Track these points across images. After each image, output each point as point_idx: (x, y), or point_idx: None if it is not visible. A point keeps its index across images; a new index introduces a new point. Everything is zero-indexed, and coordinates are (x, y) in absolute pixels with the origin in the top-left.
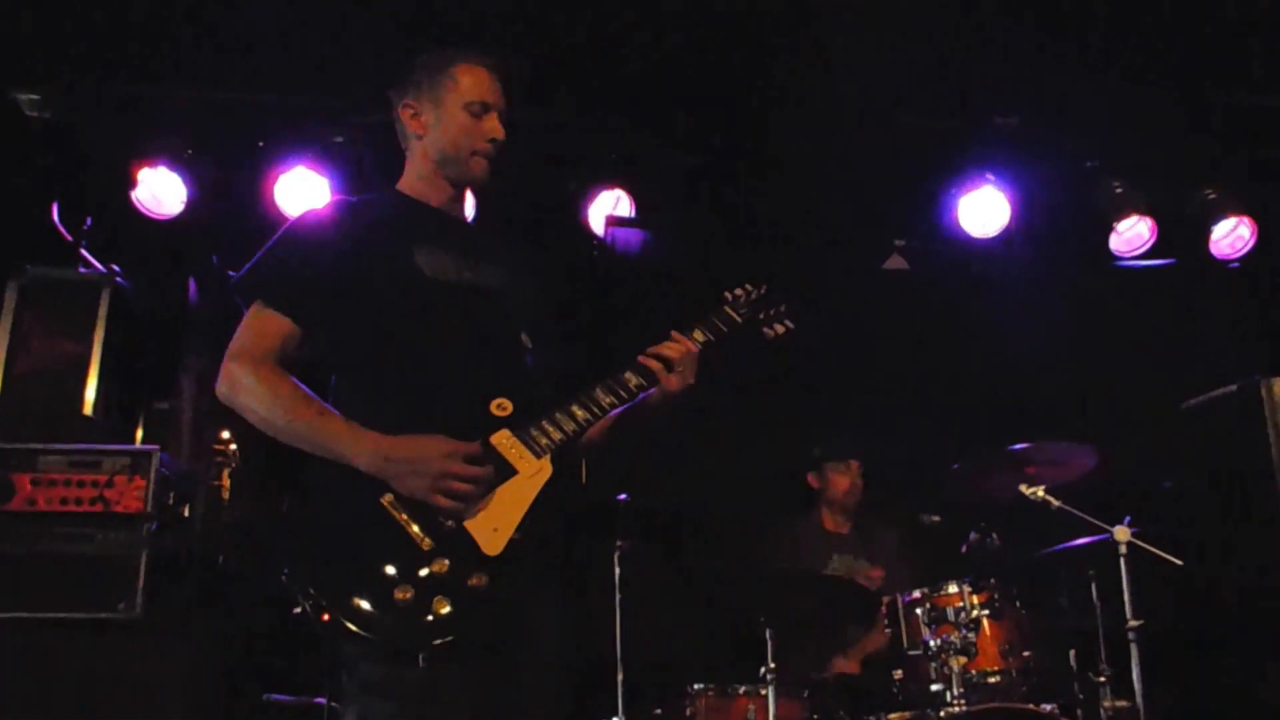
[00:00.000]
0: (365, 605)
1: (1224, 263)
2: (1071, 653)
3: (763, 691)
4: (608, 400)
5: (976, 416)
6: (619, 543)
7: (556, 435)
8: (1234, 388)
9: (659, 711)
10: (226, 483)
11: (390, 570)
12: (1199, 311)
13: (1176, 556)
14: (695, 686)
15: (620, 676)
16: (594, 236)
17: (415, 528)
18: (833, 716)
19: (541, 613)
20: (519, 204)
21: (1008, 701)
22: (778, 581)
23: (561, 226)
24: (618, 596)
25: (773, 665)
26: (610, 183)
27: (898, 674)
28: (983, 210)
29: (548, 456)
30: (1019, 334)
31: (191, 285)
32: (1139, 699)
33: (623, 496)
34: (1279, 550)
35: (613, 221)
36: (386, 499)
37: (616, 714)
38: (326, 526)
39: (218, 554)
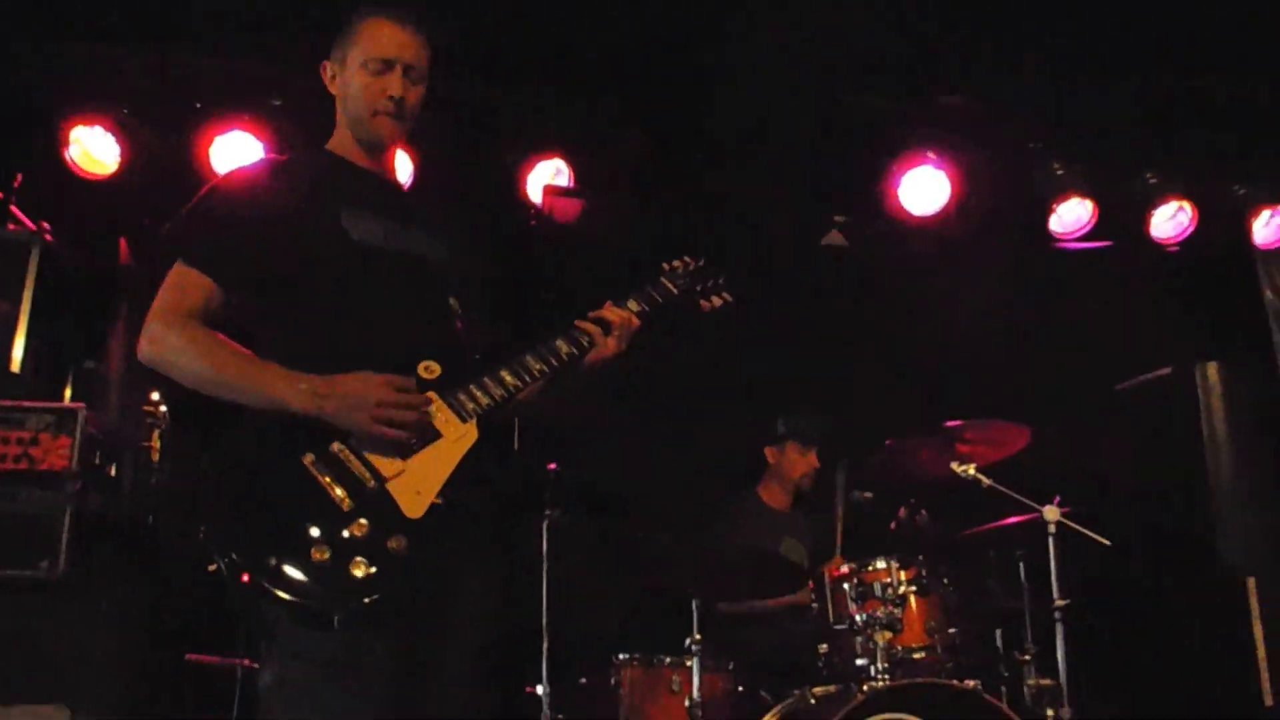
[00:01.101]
0: (282, 565)
1: (1162, 246)
2: (998, 631)
3: (688, 663)
4: (538, 367)
5: (910, 393)
6: (547, 511)
7: (484, 400)
8: (1169, 370)
9: (584, 681)
10: (156, 444)
11: (308, 531)
12: (1136, 294)
13: (1105, 537)
14: (620, 656)
15: (545, 646)
16: (532, 206)
17: (337, 489)
18: (757, 688)
19: (466, 579)
20: (457, 172)
21: (931, 677)
22: (708, 555)
23: (500, 196)
24: (544, 565)
25: (698, 637)
26: (549, 152)
27: (823, 648)
28: (923, 189)
29: (474, 421)
30: (955, 312)
31: (123, 245)
32: (1063, 677)
33: (552, 465)
34: (1207, 532)
35: (551, 191)
36: (308, 459)
37: (541, 683)
38: (245, 485)
39: (146, 515)
